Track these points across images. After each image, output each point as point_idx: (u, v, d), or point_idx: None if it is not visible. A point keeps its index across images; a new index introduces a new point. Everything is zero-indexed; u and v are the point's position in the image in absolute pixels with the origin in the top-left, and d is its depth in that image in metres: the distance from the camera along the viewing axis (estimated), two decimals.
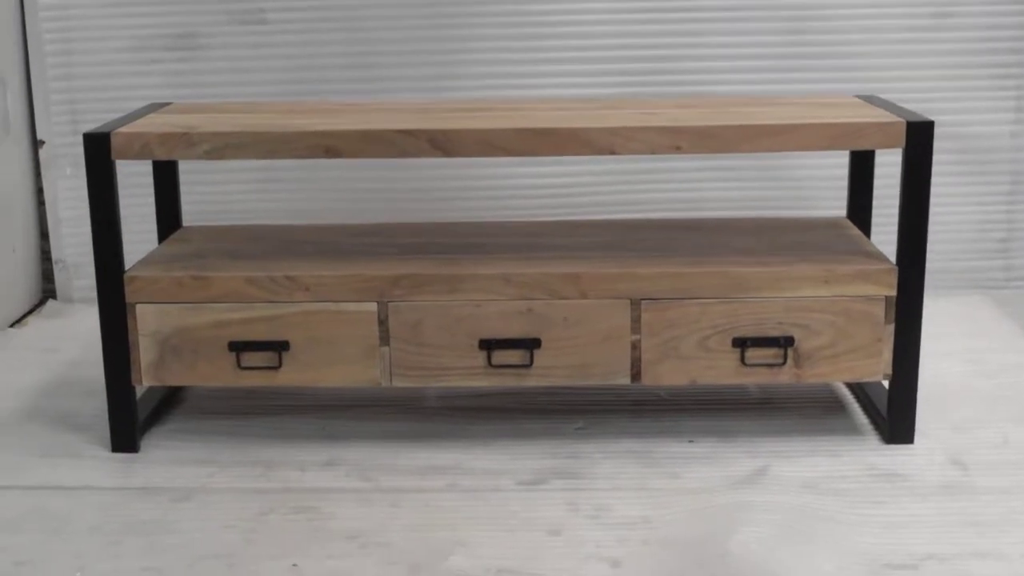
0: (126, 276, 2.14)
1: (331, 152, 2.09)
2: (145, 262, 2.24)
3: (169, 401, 2.41)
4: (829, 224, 2.43)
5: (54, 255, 3.03)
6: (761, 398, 2.40)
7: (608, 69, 2.92)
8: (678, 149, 2.09)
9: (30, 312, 2.97)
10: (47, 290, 3.06)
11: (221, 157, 2.10)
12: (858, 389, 2.39)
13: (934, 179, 2.93)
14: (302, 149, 2.09)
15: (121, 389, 2.18)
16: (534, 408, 2.37)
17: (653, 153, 2.09)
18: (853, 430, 2.25)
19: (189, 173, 2.96)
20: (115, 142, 2.10)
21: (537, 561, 1.81)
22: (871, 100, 2.34)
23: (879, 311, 2.13)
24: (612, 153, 2.09)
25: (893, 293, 2.12)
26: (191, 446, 2.23)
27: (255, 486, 2.08)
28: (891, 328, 2.13)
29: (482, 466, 2.14)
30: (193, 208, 2.97)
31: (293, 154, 2.09)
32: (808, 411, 2.34)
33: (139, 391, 2.33)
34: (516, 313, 2.14)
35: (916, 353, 2.15)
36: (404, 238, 2.37)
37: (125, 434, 2.20)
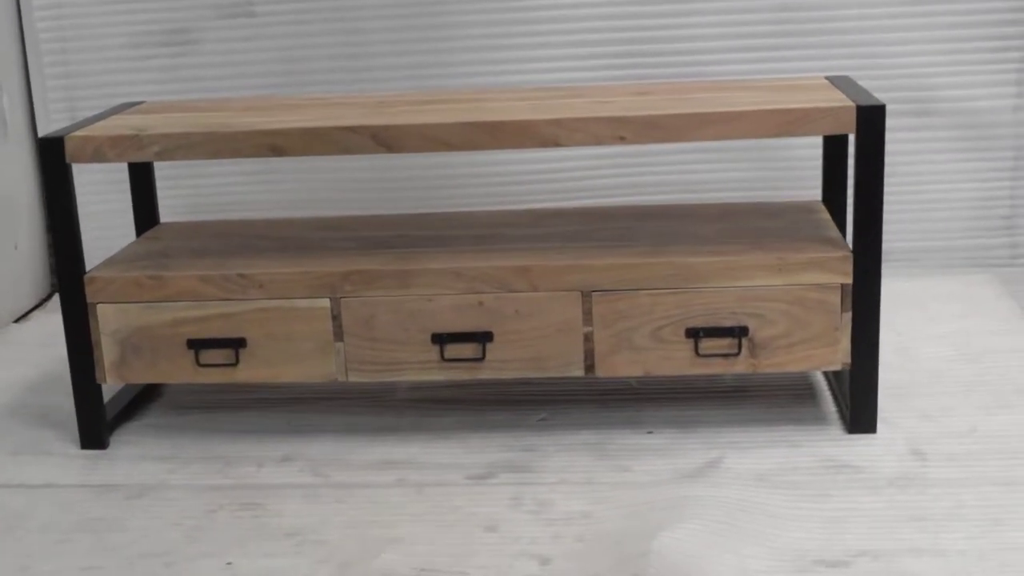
0: (86, 277, 2.18)
1: (276, 151, 2.10)
2: (109, 262, 2.28)
3: (146, 396, 2.46)
4: (800, 208, 2.38)
5: None
6: (733, 386, 2.37)
7: (598, 52, 2.89)
8: (622, 139, 2.06)
9: (36, 307, 3.05)
10: (55, 285, 3.14)
11: (171, 158, 2.12)
12: (831, 376, 2.35)
13: (936, 156, 2.90)
14: (248, 148, 2.10)
15: (86, 388, 2.22)
16: (500, 399, 2.37)
17: (598, 144, 2.06)
18: (818, 419, 2.21)
19: (190, 167, 3.01)
20: (69, 146, 2.13)
21: (466, 559, 1.82)
22: (840, 82, 2.28)
23: (835, 299, 2.08)
24: (557, 145, 2.07)
25: (849, 281, 2.07)
26: (158, 442, 2.27)
27: (210, 482, 2.11)
28: (848, 316, 2.09)
29: (436, 460, 2.14)
30: (192, 201, 3.03)
31: (240, 153, 2.11)
32: (778, 400, 2.30)
33: (115, 388, 2.39)
34: (467, 307, 2.13)
35: (875, 341, 2.10)
36: (368, 231, 2.38)
37: (92, 432, 2.25)
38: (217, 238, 2.39)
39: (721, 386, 2.37)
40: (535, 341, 2.14)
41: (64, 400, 2.45)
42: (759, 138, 2.05)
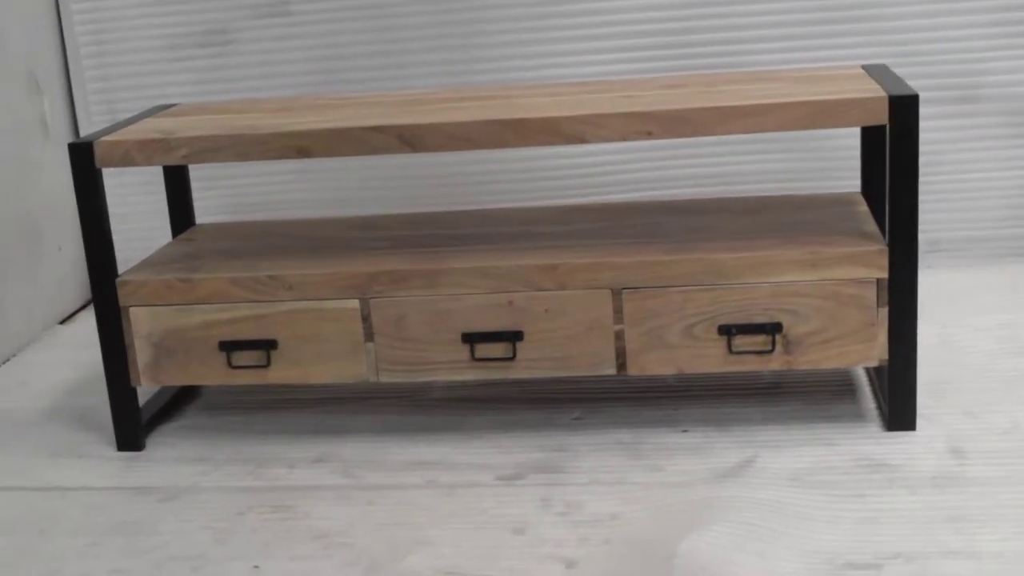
0: (118, 280, 2.19)
1: (303, 152, 2.09)
2: (142, 264, 2.29)
3: (184, 397, 2.47)
4: (838, 201, 2.34)
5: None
6: (771, 383, 2.33)
7: (634, 44, 2.85)
8: (649, 135, 2.03)
9: (80, 309, 3.07)
10: None
11: (199, 161, 2.12)
12: (871, 371, 2.31)
13: (981, 143, 2.84)
14: (274, 150, 2.10)
15: (121, 390, 2.23)
16: (534, 397, 2.35)
17: (624, 140, 2.03)
18: (857, 416, 2.17)
19: (227, 167, 3.02)
20: (98, 151, 2.14)
21: (493, 562, 1.80)
22: (876, 71, 2.23)
23: (870, 294, 2.04)
24: (582, 141, 2.04)
25: (884, 275, 2.03)
26: (193, 444, 2.28)
27: (241, 484, 2.11)
28: (884, 311, 2.04)
29: (467, 460, 2.13)
30: (231, 201, 3.04)
31: (266, 156, 2.10)
32: (816, 396, 2.26)
33: (152, 390, 2.41)
34: (496, 306, 2.12)
35: (913, 337, 2.05)
36: (399, 230, 2.37)
37: (128, 434, 2.26)
38: (249, 239, 2.40)
39: (759, 383, 2.34)
40: (566, 340, 2.11)
41: (103, 402, 2.45)
42: (789, 130, 2.01)
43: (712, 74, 2.39)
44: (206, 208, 3.00)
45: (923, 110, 2.79)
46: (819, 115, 1.99)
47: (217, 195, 3.03)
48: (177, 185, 2.52)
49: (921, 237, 2.88)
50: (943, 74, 2.78)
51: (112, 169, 2.79)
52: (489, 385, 2.40)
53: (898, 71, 2.73)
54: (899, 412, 2.09)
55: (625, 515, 1.91)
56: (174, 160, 2.13)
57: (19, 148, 2.84)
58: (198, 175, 2.98)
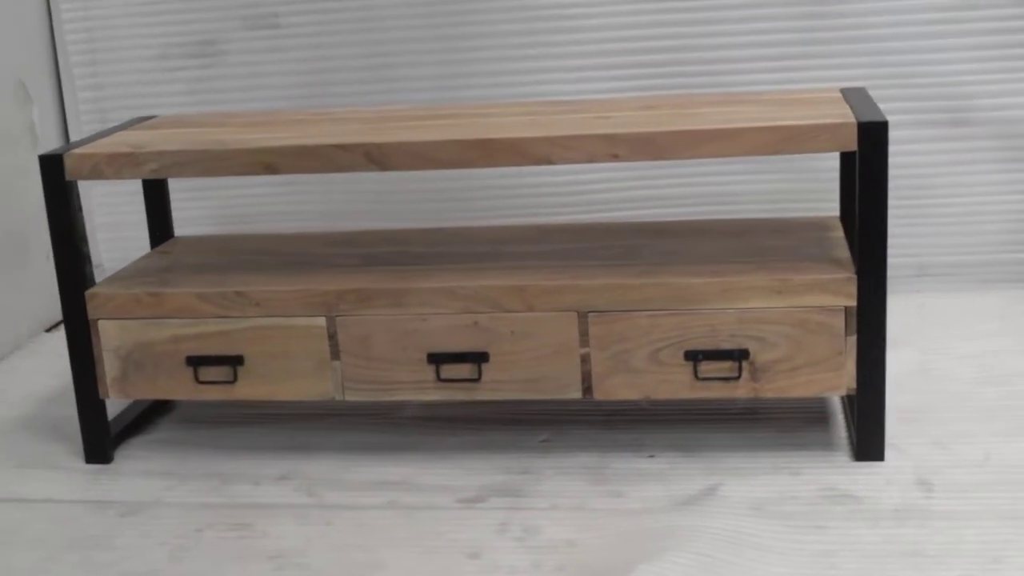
0: (88, 293, 2.19)
1: (269, 169, 2.09)
2: (113, 277, 2.29)
3: (157, 410, 2.47)
4: (814, 225, 2.31)
5: (94, 260, 3.14)
6: (745, 409, 2.30)
7: (622, 62, 2.83)
8: (615, 157, 2.01)
9: None
10: None
11: (167, 175, 2.12)
12: (845, 400, 2.28)
13: (973, 167, 2.81)
14: (241, 166, 2.09)
15: (90, 403, 2.23)
16: (505, 418, 2.33)
17: (591, 161, 2.01)
18: (827, 446, 2.14)
19: (215, 179, 3.01)
20: (68, 163, 2.14)
21: None
22: (852, 95, 2.20)
23: (838, 322, 2.01)
24: (549, 163, 2.02)
25: (853, 303, 2.00)
26: (162, 457, 2.27)
27: (204, 500, 2.10)
28: (853, 340, 2.01)
29: (430, 482, 2.11)
30: (219, 213, 3.04)
31: (233, 171, 2.10)
32: (788, 424, 2.23)
33: (126, 401, 2.41)
34: (462, 327, 2.10)
35: (882, 366, 2.02)
36: (372, 247, 2.36)
37: (96, 446, 2.26)
38: (223, 253, 2.39)
39: (732, 409, 2.31)
40: (531, 362, 2.10)
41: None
42: (757, 155, 1.98)
43: (690, 95, 2.37)
44: (193, 219, 3.00)
45: (913, 133, 2.77)
46: (786, 141, 1.96)
47: (204, 206, 3.03)
48: (156, 197, 2.52)
49: (909, 261, 2.85)
50: (934, 96, 2.75)
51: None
52: (461, 405, 2.38)
53: (888, 93, 2.71)
54: (867, 442, 2.06)
55: (581, 542, 1.89)
56: (143, 174, 2.12)
57: (7, 157, 2.85)
58: (186, 185, 2.99)
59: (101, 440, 2.26)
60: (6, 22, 2.86)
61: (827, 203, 2.77)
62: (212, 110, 2.97)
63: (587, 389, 2.10)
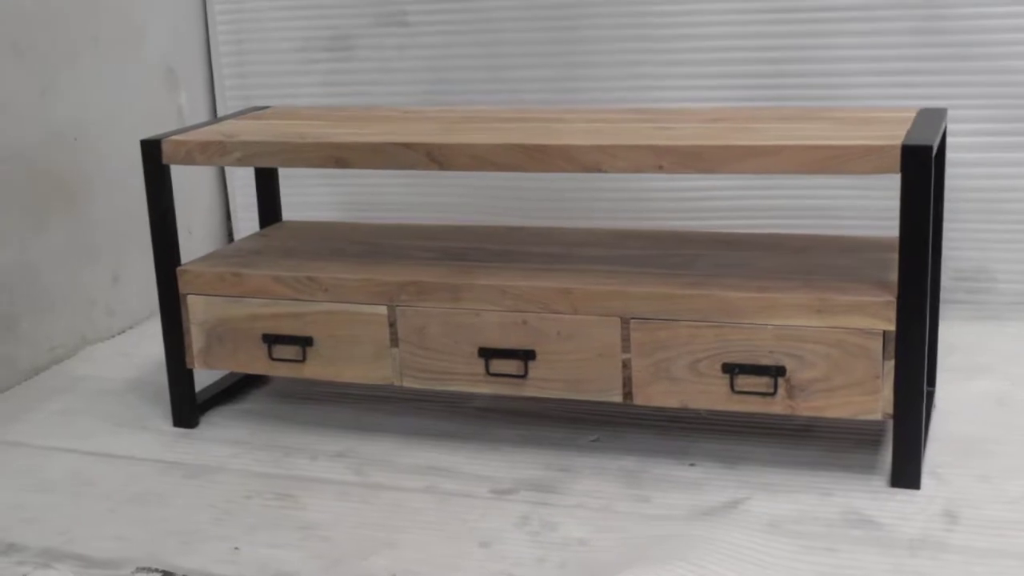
0: (178, 269, 2.36)
1: (340, 163, 2.20)
2: (209, 256, 2.46)
3: (255, 381, 2.63)
4: (876, 246, 2.27)
5: (234, 237, 3.34)
6: (802, 425, 2.29)
7: (732, 71, 2.84)
8: (660, 168, 2.04)
9: None
10: None
11: (249, 164, 2.27)
12: None
13: None
14: (316, 159, 2.22)
15: (178, 371, 2.41)
16: (562, 415, 2.39)
17: (638, 171, 2.05)
18: (868, 468, 2.11)
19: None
20: (165, 148, 2.31)
21: (444, 571, 1.86)
22: (925, 117, 2.16)
23: (876, 346, 1.99)
24: (598, 170, 2.07)
25: (892, 328, 1.97)
26: (241, 427, 2.43)
27: (262, 470, 2.24)
28: (891, 364, 1.99)
29: (473, 471, 2.19)
30: (352, 200, 3.19)
31: (309, 163, 2.23)
32: (839, 443, 2.21)
33: (222, 372, 2.58)
34: (512, 324, 2.17)
35: (920, 392, 1.99)
36: (448, 242, 2.45)
37: (183, 411, 2.43)
38: (313, 240, 2.53)
39: (787, 424, 2.30)
40: (575, 363, 2.15)
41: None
42: (799, 173, 1.98)
43: (766, 109, 2.36)
44: (326, 204, 3.17)
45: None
46: (828, 160, 1.95)
47: (338, 193, 3.19)
48: (266, 182, 2.68)
49: (1019, 288, 2.76)
50: None
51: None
52: (523, 400, 2.45)
53: (1000, 113, 2.63)
54: (902, 469, 2.03)
55: (592, 542, 1.93)
56: (229, 162, 2.28)
57: None
58: (319, 173, 3.15)
59: (188, 406, 2.43)
60: (162, 14, 3.08)
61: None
62: (342, 102, 3.12)
63: (627, 394, 2.14)
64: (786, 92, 2.80)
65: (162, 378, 2.68)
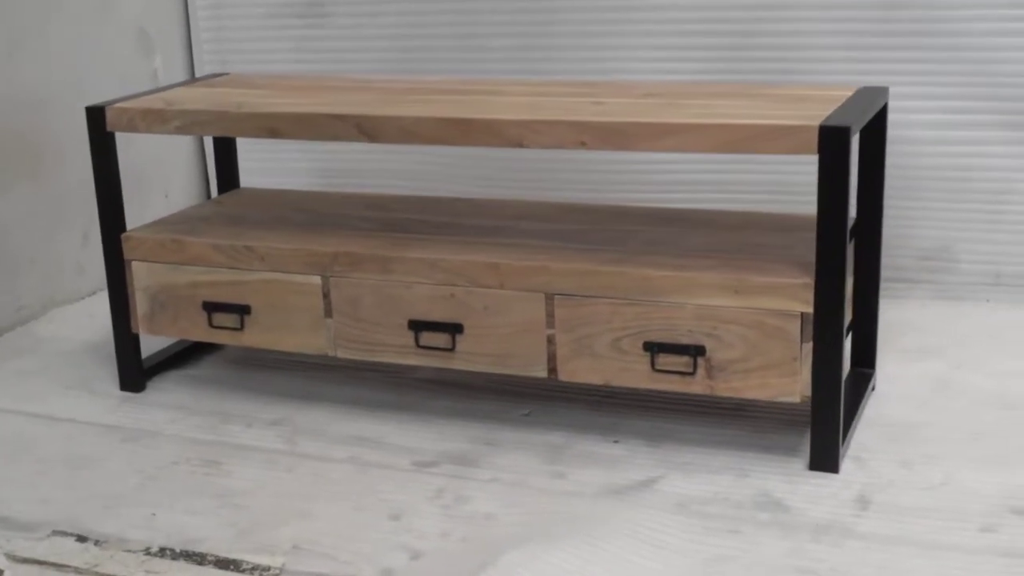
0: (123, 236, 2.39)
1: (274, 133, 2.21)
2: (155, 222, 2.48)
3: (208, 348, 2.65)
4: (808, 224, 2.23)
5: None
6: (735, 405, 2.28)
7: (697, 44, 2.80)
8: (583, 144, 2.02)
9: None
10: None
11: (188, 132, 2.28)
12: None
13: None
14: (250, 129, 2.23)
15: (124, 335, 2.44)
16: (501, 388, 2.39)
17: (560, 147, 2.04)
18: (791, 450, 2.10)
19: None
20: (109, 116, 2.33)
21: (349, 542, 1.88)
22: (862, 96, 2.13)
23: (794, 328, 1.97)
24: (521, 145, 2.06)
25: (809, 310, 1.95)
26: (185, 392, 2.46)
27: (197, 436, 2.27)
28: (808, 347, 1.97)
29: (400, 442, 2.21)
30: (322, 167, 3.19)
31: (243, 133, 2.24)
32: (768, 423, 2.20)
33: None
34: (441, 297, 2.18)
35: (838, 376, 1.97)
36: (391, 213, 2.45)
37: (129, 376, 2.47)
38: (262, 208, 2.54)
39: (722, 403, 2.29)
40: (501, 338, 2.15)
41: (146, 343, 2.67)
42: (717, 152, 1.95)
43: (705, 85, 2.33)
44: (300, 171, 3.18)
45: (992, 134, 2.63)
46: (746, 140, 1.93)
47: (310, 160, 3.20)
48: (225, 148, 2.70)
49: (984, 269, 2.71)
50: (1011, 97, 2.59)
51: None
52: (470, 373, 2.44)
53: (966, 91, 2.59)
54: (820, 453, 2.02)
55: (499, 517, 1.94)
56: (169, 130, 2.29)
57: None
58: (294, 143, 3.16)
59: (134, 371, 2.46)
60: None
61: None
62: (315, 68, 3.12)
63: (552, 369, 2.14)
64: (749, 66, 2.76)
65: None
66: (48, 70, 2.87)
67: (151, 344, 2.58)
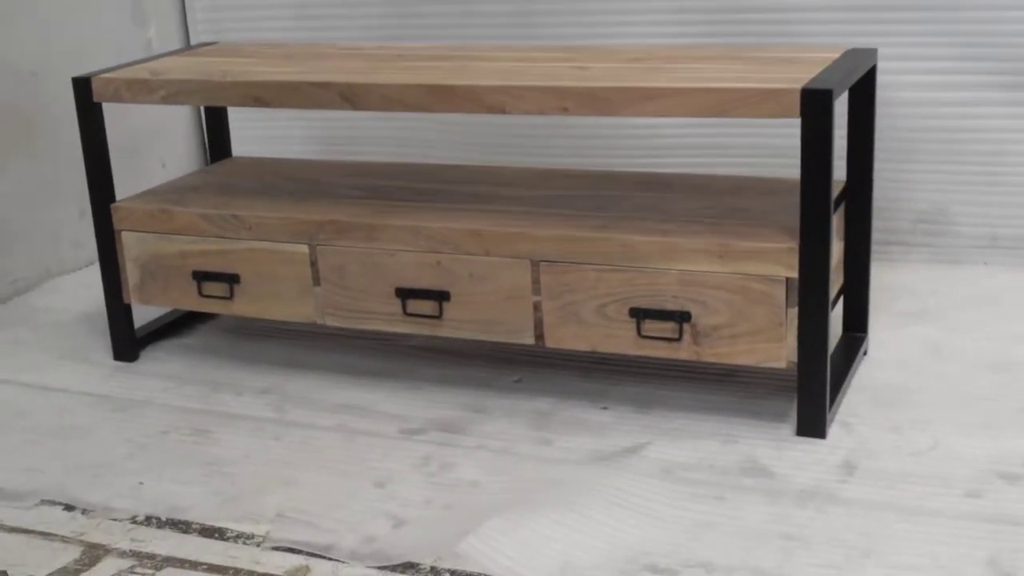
0: (112, 206, 2.39)
1: (259, 101, 2.20)
2: (145, 192, 2.48)
3: (202, 317, 2.66)
4: (792, 188, 2.21)
5: None
6: (726, 370, 2.27)
7: (689, 6, 2.77)
8: (565, 110, 2.01)
9: None
10: None
11: (174, 102, 2.27)
12: None
13: None
14: (235, 98, 2.22)
15: (116, 305, 2.44)
16: (493, 355, 2.39)
17: (542, 113, 2.02)
18: (780, 416, 2.09)
19: None
20: (95, 86, 2.33)
21: (333, 509, 1.88)
22: (854, 57, 2.10)
23: (779, 293, 1.95)
24: (503, 111, 2.05)
25: (794, 275, 1.94)
26: (179, 362, 2.46)
27: (187, 405, 2.27)
28: (794, 312, 1.95)
29: (388, 409, 2.21)
30: (324, 134, 3.18)
31: (228, 102, 2.23)
32: (757, 389, 2.19)
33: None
34: (427, 265, 2.17)
35: (824, 341, 1.96)
36: (383, 180, 2.45)
37: (123, 345, 2.47)
38: (252, 176, 2.54)
39: (710, 369, 2.28)
40: (488, 305, 2.14)
41: (142, 313, 2.67)
42: (699, 116, 1.93)
43: (692, 47, 2.31)
44: (301, 139, 3.17)
45: (988, 95, 2.60)
46: (728, 104, 1.91)
47: (311, 127, 3.18)
48: (216, 117, 2.69)
49: (980, 232, 2.69)
50: (1013, 58, 2.56)
51: None
52: (462, 340, 2.44)
53: (961, 52, 2.56)
54: (807, 418, 2.01)
55: (484, 484, 1.94)
56: (155, 100, 2.29)
57: None
58: (297, 112, 3.14)
59: (127, 340, 2.47)
60: None
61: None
62: (311, 36, 3.10)
63: (539, 336, 2.13)
64: (743, 28, 2.73)
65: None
66: (43, 42, 2.87)
67: (147, 313, 2.59)
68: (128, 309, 2.46)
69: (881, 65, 2.64)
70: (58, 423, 2.23)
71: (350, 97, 2.13)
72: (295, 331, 2.57)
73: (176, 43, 3.25)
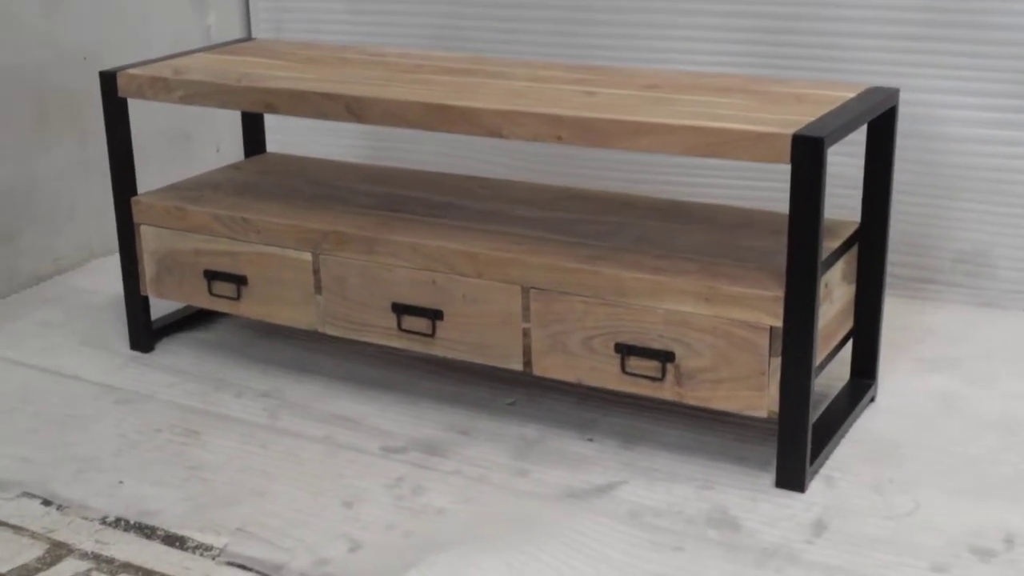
0: (132, 200, 2.43)
1: (270, 108, 2.21)
2: (168, 187, 2.51)
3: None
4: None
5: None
6: (721, 410, 2.21)
7: (738, 24, 2.70)
8: (559, 138, 1.97)
9: None
10: None
11: (190, 103, 2.30)
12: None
13: None
14: (247, 103, 2.23)
15: (133, 296, 2.48)
16: (492, 374, 2.37)
17: (537, 139, 1.99)
18: (763, 464, 2.03)
19: None
20: (120, 82, 2.36)
21: (296, 527, 1.89)
22: (869, 96, 2.02)
23: (762, 341, 1.90)
24: (500, 135, 2.02)
25: (779, 324, 1.88)
26: (191, 356, 2.50)
27: (187, 403, 2.30)
28: (777, 361, 1.90)
29: (378, 425, 2.21)
30: (376, 128, 3.17)
31: (241, 106, 2.25)
32: (749, 433, 2.13)
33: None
34: (423, 283, 2.16)
35: (806, 393, 1.89)
36: (402, 189, 2.44)
37: (139, 336, 2.52)
38: (275, 177, 2.55)
39: (705, 408, 2.21)
40: (479, 327, 2.13)
41: (162, 302, 2.70)
42: (690, 155, 1.88)
43: (710, 76, 2.23)
44: (350, 132, 3.18)
45: None
46: (718, 145, 1.85)
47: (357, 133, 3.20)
48: (249, 114, 2.71)
49: (1008, 276, 2.57)
50: None
51: None
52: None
53: (1015, 89, 2.45)
54: (786, 471, 1.95)
55: (449, 513, 1.93)
56: (173, 99, 2.31)
57: None
58: None
59: (143, 331, 2.51)
60: None
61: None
62: (365, 31, 3.10)
63: (527, 363, 2.11)
64: (788, 52, 2.64)
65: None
66: (100, 27, 2.92)
67: (171, 303, 2.63)
68: (145, 301, 2.50)
69: (930, 99, 2.55)
70: (61, 412, 2.28)
71: (356, 111, 2.13)
72: (306, 333, 2.58)
73: (237, 32, 3.28)
